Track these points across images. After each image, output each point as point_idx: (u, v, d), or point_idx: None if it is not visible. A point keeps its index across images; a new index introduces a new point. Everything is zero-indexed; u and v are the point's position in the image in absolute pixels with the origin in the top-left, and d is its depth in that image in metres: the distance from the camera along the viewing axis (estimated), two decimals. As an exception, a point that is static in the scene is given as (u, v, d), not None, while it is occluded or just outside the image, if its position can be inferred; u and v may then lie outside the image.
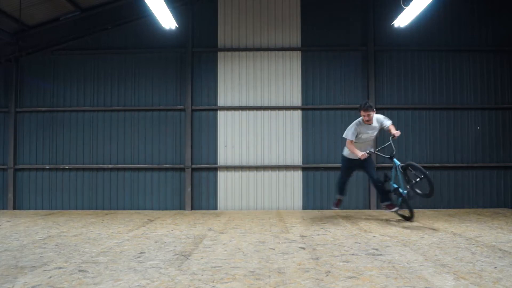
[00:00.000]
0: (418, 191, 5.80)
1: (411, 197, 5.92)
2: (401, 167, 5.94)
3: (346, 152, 6.39)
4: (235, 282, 3.01)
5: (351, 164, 6.40)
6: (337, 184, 6.81)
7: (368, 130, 6.09)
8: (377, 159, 8.07)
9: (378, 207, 8.25)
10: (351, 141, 6.05)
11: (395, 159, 6.08)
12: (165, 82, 8.65)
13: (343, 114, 8.49)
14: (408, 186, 5.90)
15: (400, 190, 6.05)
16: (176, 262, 3.68)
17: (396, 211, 6.39)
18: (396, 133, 5.94)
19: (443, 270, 3.30)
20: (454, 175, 8.39)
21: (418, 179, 5.72)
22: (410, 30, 8.28)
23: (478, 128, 8.47)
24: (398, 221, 6.44)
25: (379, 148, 6.65)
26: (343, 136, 6.21)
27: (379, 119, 6.19)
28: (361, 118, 6.05)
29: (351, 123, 6.19)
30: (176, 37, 8.61)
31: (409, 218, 6.28)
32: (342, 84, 8.56)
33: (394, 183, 6.24)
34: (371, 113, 5.94)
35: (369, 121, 5.99)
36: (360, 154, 5.89)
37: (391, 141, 6.17)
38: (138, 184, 8.52)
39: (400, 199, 6.16)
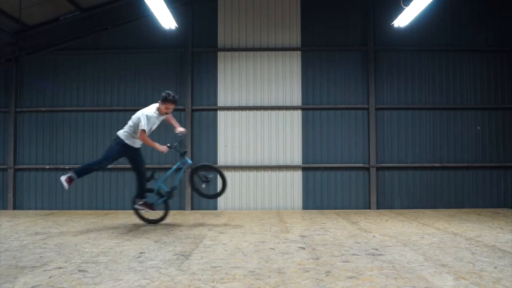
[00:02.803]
0: (204, 192, 5.96)
1: (172, 196, 6.04)
2: (194, 167, 5.89)
3: (125, 136, 5.64)
4: (235, 282, 3.01)
5: (124, 153, 5.72)
6: (84, 167, 5.64)
7: (157, 123, 5.78)
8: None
9: (378, 207, 8.25)
10: (145, 132, 5.46)
11: (187, 157, 5.97)
12: (165, 82, 8.65)
13: (343, 114, 8.50)
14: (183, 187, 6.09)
15: (165, 189, 6.02)
16: (176, 262, 3.68)
17: (143, 212, 6.13)
18: (183, 130, 5.88)
19: (443, 270, 3.30)
20: (454, 175, 8.39)
21: (208, 180, 5.83)
22: (410, 30, 8.28)
23: (478, 128, 8.47)
24: (399, 221, 6.44)
25: (175, 144, 6.06)
26: (138, 123, 5.47)
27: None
28: (156, 107, 5.65)
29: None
30: (176, 37, 8.61)
31: (157, 221, 6.16)
32: (342, 84, 8.56)
33: (163, 182, 6.10)
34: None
35: (167, 114, 5.77)
36: (162, 148, 5.66)
37: (181, 138, 6.07)
38: (138, 184, 8.50)
39: (161, 200, 6.04)
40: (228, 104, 8.59)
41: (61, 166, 8.59)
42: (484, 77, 8.54)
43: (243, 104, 8.58)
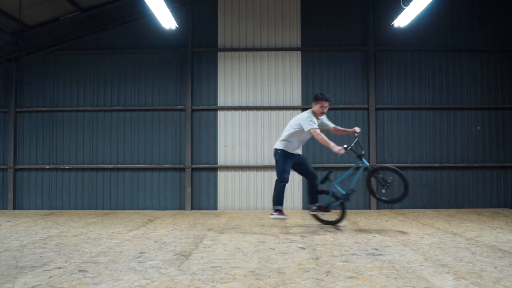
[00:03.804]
0: (384, 198, 5.61)
1: (349, 199, 5.72)
2: (372, 169, 5.60)
3: (283, 145, 5.56)
4: (235, 282, 3.01)
5: (293, 160, 5.60)
6: (277, 194, 5.52)
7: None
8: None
9: (378, 207, 8.25)
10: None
11: (364, 159, 5.56)
12: (165, 82, 8.65)
13: (343, 114, 8.50)
14: (351, 190, 5.67)
15: (341, 192, 5.71)
16: (176, 262, 3.68)
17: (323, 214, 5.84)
18: (359, 130, 5.72)
19: (443, 270, 3.30)
20: (454, 175, 8.39)
21: (387, 183, 5.38)
22: (410, 30, 8.28)
23: (478, 128, 8.47)
24: (399, 221, 6.45)
25: (352, 145, 5.57)
26: (303, 128, 5.38)
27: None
28: (310, 111, 5.54)
29: (307, 118, 5.37)
30: (176, 37, 8.61)
31: (334, 222, 5.89)
32: (342, 84, 8.56)
33: (339, 184, 5.79)
34: None
35: (323, 114, 5.58)
36: (338, 148, 5.24)
37: (357, 139, 5.66)
38: (138, 184, 8.51)
39: (337, 202, 5.75)
40: (228, 104, 8.59)
41: (61, 166, 8.59)
42: (484, 77, 8.54)
43: (243, 104, 8.58)
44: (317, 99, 5.47)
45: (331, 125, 5.85)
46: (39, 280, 3.11)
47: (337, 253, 3.98)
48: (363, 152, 5.57)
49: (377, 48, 8.53)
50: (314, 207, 5.73)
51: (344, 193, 5.68)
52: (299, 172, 5.85)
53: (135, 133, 8.61)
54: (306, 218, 6.83)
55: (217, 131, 8.56)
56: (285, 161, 5.47)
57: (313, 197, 5.73)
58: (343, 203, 5.72)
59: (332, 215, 5.82)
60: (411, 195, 8.34)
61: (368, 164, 5.60)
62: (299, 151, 5.68)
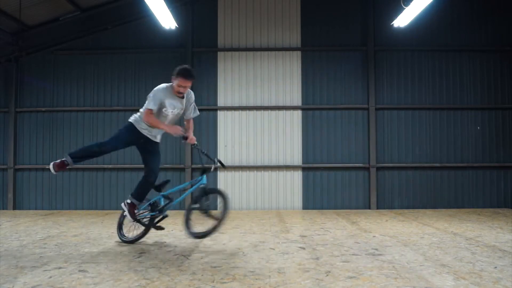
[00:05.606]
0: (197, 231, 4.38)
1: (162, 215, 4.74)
2: (207, 190, 4.51)
3: (134, 119, 4.43)
4: (235, 282, 3.01)
5: (133, 138, 4.45)
6: (82, 149, 4.55)
7: (176, 105, 4.38)
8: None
9: (378, 207, 8.25)
10: (151, 111, 4.20)
11: (205, 176, 4.54)
12: (165, 82, 8.62)
13: (343, 114, 8.49)
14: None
15: (161, 204, 4.72)
16: (176, 262, 3.68)
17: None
18: (192, 138, 4.56)
19: (443, 270, 3.30)
20: (454, 175, 8.39)
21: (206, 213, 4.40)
22: (410, 30, 8.28)
23: (478, 128, 8.47)
24: (399, 221, 6.45)
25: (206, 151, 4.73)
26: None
27: (189, 96, 4.52)
28: (171, 84, 4.35)
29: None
30: (176, 37, 8.61)
31: (135, 239, 4.72)
32: (342, 84, 8.56)
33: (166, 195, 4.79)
34: (190, 85, 4.30)
35: (181, 94, 4.37)
36: (174, 129, 4.26)
37: (199, 149, 4.67)
38: (138, 184, 8.50)
39: (150, 214, 4.73)
40: (228, 104, 8.59)
41: (61, 166, 8.57)
42: (484, 77, 8.54)
43: (243, 104, 8.58)
44: (176, 74, 4.25)
45: (192, 115, 4.66)
46: (39, 280, 3.11)
47: (337, 253, 3.98)
48: (215, 165, 4.62)
49: (377, 48, 8.53)
50: (128, 201, 4.55)
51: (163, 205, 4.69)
52: (143, 161, 4.68)
53: (135, 133, 8.60)
54: (306, 218, 6.83)
55: (217, 131, 8.56)
56: (122, 136, 4.43)
57: (137, 193, 4.55)
58: (154, 217, 4.68)
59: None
60: (411, 195, 8.35)
61: (206, 182, 4.52)
62: (154, 136, 4.48)
